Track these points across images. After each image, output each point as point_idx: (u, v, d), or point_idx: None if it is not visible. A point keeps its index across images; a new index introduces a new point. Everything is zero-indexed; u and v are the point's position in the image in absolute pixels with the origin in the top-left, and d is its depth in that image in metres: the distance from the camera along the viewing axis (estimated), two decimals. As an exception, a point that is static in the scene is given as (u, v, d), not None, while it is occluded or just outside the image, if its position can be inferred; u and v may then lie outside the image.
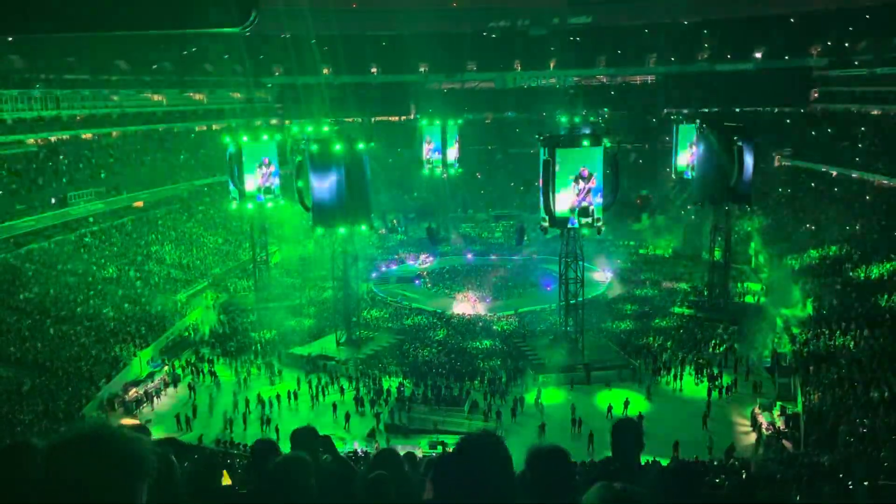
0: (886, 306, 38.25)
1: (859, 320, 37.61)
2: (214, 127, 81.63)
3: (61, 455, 1.82)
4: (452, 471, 2.55)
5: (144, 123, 73.49)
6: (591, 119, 55.30)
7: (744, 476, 23.36)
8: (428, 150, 72.72)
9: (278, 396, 37.68)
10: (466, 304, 52.67)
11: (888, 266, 43.54)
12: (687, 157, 59.74)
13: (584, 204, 41.41)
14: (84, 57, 65.61)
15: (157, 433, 32.74)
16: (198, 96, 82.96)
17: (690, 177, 56.84)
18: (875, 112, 70.72)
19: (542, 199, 42.36)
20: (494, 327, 47.80)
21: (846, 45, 76.44)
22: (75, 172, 59.64)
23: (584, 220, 41.60)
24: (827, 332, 37.97)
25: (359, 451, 30.80)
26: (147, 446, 1.93)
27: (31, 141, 60.83)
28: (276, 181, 54.79)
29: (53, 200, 54.70)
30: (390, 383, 39.75)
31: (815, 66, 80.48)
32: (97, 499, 1.77)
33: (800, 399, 33.91)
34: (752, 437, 33.05)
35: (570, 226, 41.87)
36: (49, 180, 56.65)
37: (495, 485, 2.45)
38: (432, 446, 31.96)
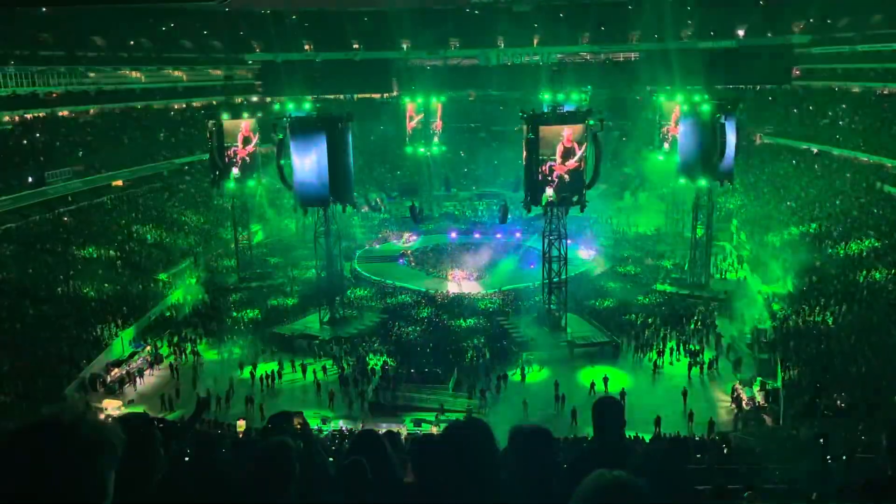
0: (864, 283, 38.75)
1: (838, 296, 38.10)
2: (194, 104, 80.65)
3: (12, 445, 1.75)
4: (436, 456, 2.50)
5: (122, 101, 72.42)
6: (575, 96, 54.99)
7: (724, 451, 23.68)
8: (412, 125, 72.28)
9: (264, 375, 37.68)
10: (450, 283, 52.70)
11: (867, 243, 44.06)
12: (670, 134, 59.82)
13: (568, 181, 41.45)
14: (59, 33, 64.43)
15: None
16: (177, 73, 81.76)
17: (674, 153, 56.91)
18: (856, 89, 71.16)
19: (525, 176, 42.34)
20: (478, 305, 47.87)
21: (828, 22, 76.64)
22: (52, 151, 58.72)
23: (567, 198, 41.65)
24: (806, 308, 38.44)
25: (343, 429, 30.89)
26: (110, 432, 1.85)
27: (7, 119, 59.74)
28: (258, 157, 54.46)
29: (30, 179, 53.88)
30: (375, 362, 39.80)
31: (798, 43, 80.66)
32: (56, 486, 1.71)
33: (779, 374, 34.38)
34: (733, 412, 33.50)
35: (552, 201, 41.91)
36: (25, 159, 55.76)
37: (478, 470, 2.40)
38: (416, 424, 32.13)
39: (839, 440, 22.28)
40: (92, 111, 69.24)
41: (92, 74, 69.29)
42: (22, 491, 1.69)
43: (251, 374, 38.06)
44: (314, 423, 30.06)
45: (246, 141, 53.44)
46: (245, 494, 3.71)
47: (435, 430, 29.40)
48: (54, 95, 64.85)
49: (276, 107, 53.89)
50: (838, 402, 29.17)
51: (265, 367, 38.85)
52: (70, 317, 40.93)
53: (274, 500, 3.53)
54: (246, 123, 53.87)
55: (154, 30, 78.69)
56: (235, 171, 52.95)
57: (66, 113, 66.37)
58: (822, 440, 22.79)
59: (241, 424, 28.18)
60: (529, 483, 2.78)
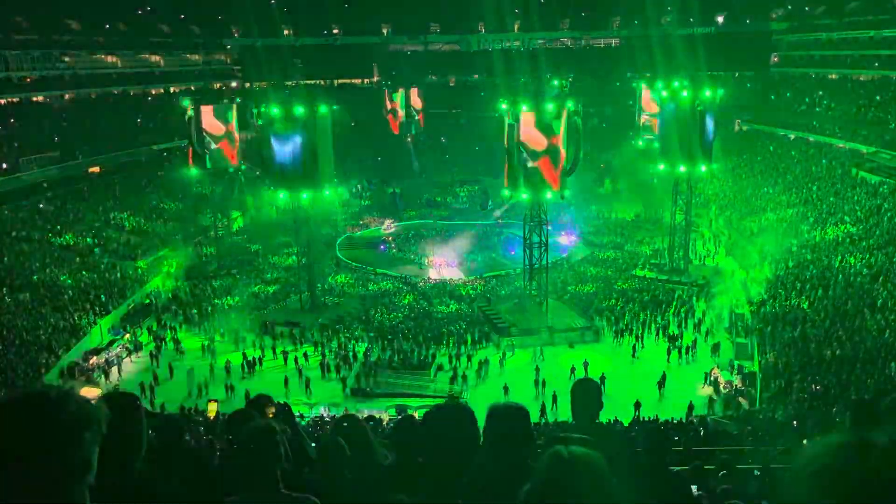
0: (840, 267, 39.29)
1: (814, 281, 38.61)
2: (172, 90, 79.56)
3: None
4: (415, 437, 2.56)
5: (99, 86, 71.28)
6: (555, 83, 55.08)
7: (701, 433, 23.99)
8: (390, 109, 72.21)
9: (244, 363, 37.60)
10: (432, 269, 52.76)
11: (842, 228, 44.64)
12: (649, 120, 60.08)
13: (548, 168, 41.50)
14: (33, 16, 63.16)
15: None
16: (154, 58, 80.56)
17: (653, 140, 57.17)
18: (833, 76, 71.80)
19: (506, 163, 42.38)
20: (460, 291, 48.02)
21: (806, 9, 77.15)
22: (27, 137, 57.76)
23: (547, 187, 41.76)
24: (783, 292, 38.93)
25: (325, 415, 30.92)
26: (95, 408, 1.88)
27: (-20, 104, 58.65)
28: (237, 143, 54.00)
29: (5, 166, 53.02)
30: (356, 348, 39.81)
31: (776, 30, 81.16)
32: (41, 459, 1.73)
33: (756, 358, 34.89)
34: (711, 395, 33.93)
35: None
36: (-1, 145, 54.85)
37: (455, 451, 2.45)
38: (399, 411, 32.20)
39: (814, 422, 22.67)
40: (67, 96, 68.15)
41: (67, 59, 68.09)
42: (6, 463, 1.72)
43: (236, 359, 37.93)
44: (297, 410, 30.06)
45: (211, 125, 52.76)
46: (232, 477, 3.74)
47: (416, 415, 29.52)
48: (28, 80, 63.72)
49: (256, 92, 53.47)
50: (813, 385, 29.65)
51: (246, 354, 38.73)
52: (47, 305, 40.47)
53: (260, 482, 3.57)
54: (224, 109, 53.31)
55: (131, 14, 77.40)
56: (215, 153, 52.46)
57: (40, 98, 65.30)
58: (796, 422, 23.24)
59: (213, 407, 28.10)
60: (506, 459, 2.86)
